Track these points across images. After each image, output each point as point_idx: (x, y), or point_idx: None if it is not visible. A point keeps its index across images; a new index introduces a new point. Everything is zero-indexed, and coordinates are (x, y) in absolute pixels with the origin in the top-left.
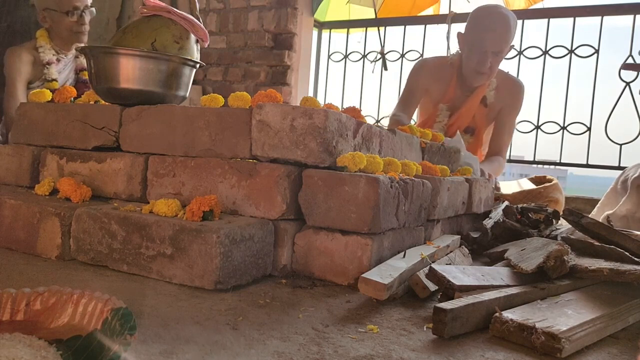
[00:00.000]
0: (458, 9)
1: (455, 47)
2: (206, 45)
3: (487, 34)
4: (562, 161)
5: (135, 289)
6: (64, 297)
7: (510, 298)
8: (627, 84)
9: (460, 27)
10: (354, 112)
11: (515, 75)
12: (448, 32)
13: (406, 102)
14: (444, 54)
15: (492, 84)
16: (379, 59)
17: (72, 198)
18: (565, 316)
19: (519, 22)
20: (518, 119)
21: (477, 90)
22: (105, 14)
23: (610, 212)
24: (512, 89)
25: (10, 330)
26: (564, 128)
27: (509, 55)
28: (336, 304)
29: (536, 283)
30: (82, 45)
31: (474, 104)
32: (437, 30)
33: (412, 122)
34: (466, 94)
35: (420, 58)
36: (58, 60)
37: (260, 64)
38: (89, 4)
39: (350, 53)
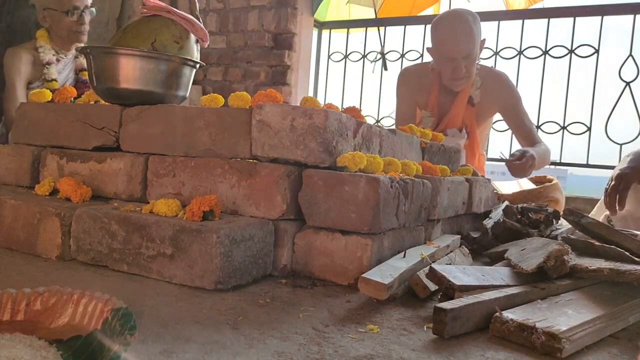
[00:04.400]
0: None
1: None
2: (206, 45)
3: (451, 42)
4: (562, 161)
5: (135, 289)
6: (64, 297)
7: (510, 298)
8: (627, 83)
9: None
10: (354, 112)
11: (516, 74)
12: None
13: (403, 114)
14: None
15: (476, 82)
16: (379, 59)
17: (72, 198)
18: (565, 316)
19: (519, 22)
20: None
21: (461, 92)
22: (105, 14)
23: None
24: (501, 85)
25: (11, 330)
26: (564, 128)
27: (509, 55)
28: (336, 303)
29: (536, 283)
30: (82, 45)
31: (460, 106)
32: None
33: None
34: (450, 98)
35: (403, 68)
36: (58, 60)
37: (260, 64)
38: (89, 4)
39: (350, 53)
